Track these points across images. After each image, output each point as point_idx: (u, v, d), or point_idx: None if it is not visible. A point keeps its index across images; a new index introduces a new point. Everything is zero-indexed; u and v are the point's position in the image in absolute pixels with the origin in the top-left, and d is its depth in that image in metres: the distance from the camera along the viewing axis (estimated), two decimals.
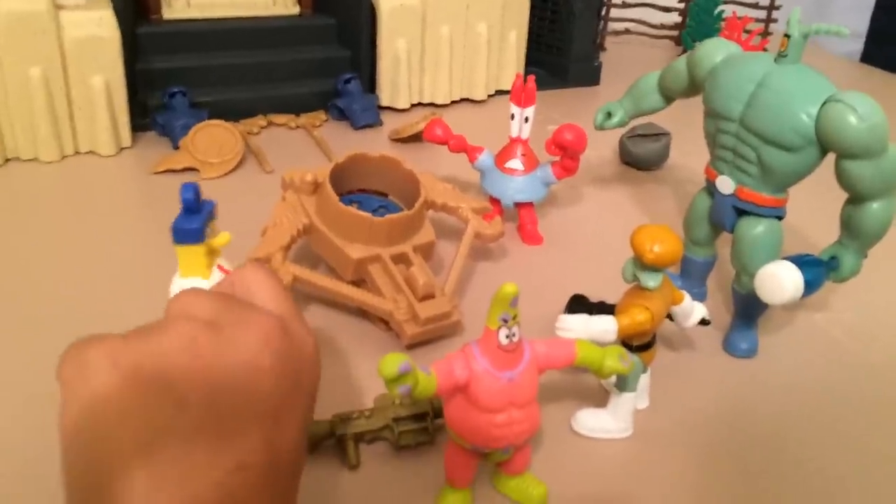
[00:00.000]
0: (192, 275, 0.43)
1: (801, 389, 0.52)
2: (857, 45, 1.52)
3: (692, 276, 0.59)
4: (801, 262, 0.47)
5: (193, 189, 0.41)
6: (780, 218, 0.52)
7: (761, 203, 0.51)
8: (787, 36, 0.49)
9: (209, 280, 0.43)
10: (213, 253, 0.43)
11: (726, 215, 0.54)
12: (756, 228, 0.52)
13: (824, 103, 0.47)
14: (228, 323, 0.30)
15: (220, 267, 0.43)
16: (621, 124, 0.65)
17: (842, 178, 0.48)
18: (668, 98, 0.62)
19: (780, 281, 0.46)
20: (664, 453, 0.46)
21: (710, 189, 0.55)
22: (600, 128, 0.65)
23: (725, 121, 0.51)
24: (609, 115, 0.65)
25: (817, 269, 0.48)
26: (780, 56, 0.50)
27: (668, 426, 0.48)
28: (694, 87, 0.57)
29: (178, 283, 0.43)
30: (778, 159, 0.49)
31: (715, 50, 0.54)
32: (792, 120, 0.47)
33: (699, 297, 0.60)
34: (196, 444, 0.27)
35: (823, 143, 0.47)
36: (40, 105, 0.74)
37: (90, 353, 0.27)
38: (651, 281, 0.43)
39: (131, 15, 0.85)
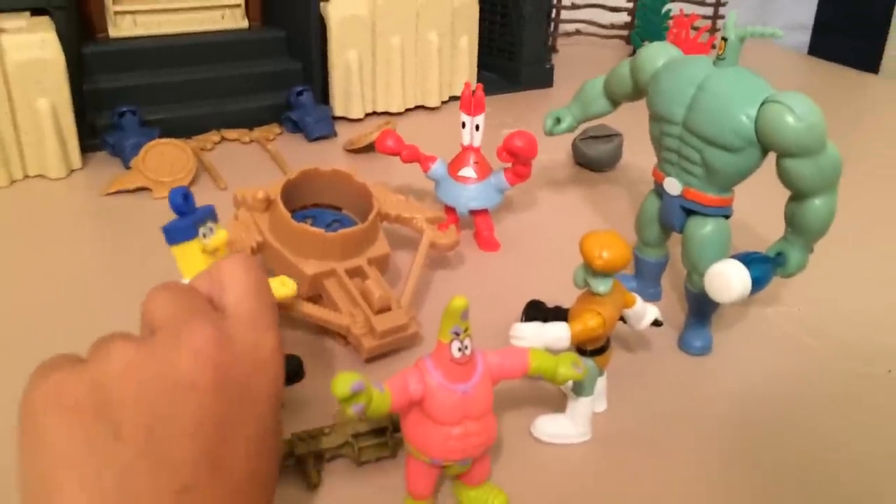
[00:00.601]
0: (190, 275, 0.42)
1: (755, 384, 0.53)
2: (805, 37, 1.55)
3: (646, 276, 0.60)
4: (748, 259, 0.48)
5: (180, 192, 0.41)
6: (727, 217, 0.53)
7: (708, 203, 0.52)
8: (724, 39, 0.50)
9: None
10: (213, 252, 0.43)
11: (675, 216, 0.54)
12: (704, 228, 0.53)
13: (762, 104, 0.48)
14: (166, 336, 0.30)
15: None
16: (570, 129, 0.66)
17: (783, 177, 0.49)
18: (615, 102, 0.63)
19: (727, 279, 0.47)
20: (624, 455, 0.47)
21: (659, 191, 0.56)
22: (550, 133, 0.66)
23: (669, 124, 0.52)
24: (558, 120, 0.66)
25: (764, 266, 0.49)
26: (719, 59, 0.51)
27: (628, 428, 0.49)
28: (638, 91, 0.58)
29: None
30: (721, 160, 0.50)
31: (656, 54, 0.55)
32: (732, 121, 0.48)
33: (654, 296, 0.61)
34: (137, 471, 0.27)
35: (763, 143, 0.48)
36: None
37: (34, 395, 0.28)
38: (601, 286, 0.44)
39: (77, 35, 0.84)
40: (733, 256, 0.49)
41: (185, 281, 0.43)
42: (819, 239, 0.52)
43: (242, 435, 0.30)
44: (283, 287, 0.47)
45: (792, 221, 0.51)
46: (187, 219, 0.41)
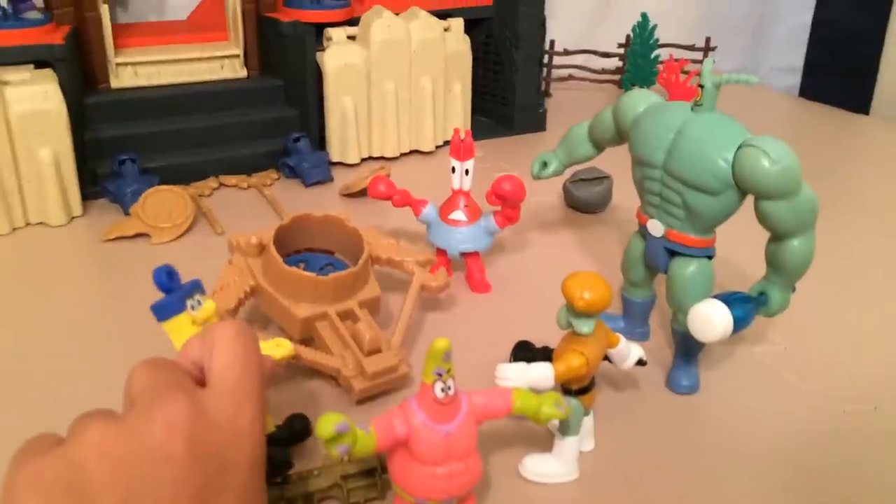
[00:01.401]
0: None
1: (743, 423, 0.54)
2: (796, 79, 1.58)
3: (633, 316, 0.61)
4: (730, 299, 0.49)
5: (164, 271, 0.42)
6: (710, 257, 0.54)
7: (690, 244, 0.53)
8: (700, 86, 0.52)
9: None
10: (203, 323, 0.44)
11: (659, 257, 0.56)
12: (688, 269, 0.54)
13: (739, 148, 0.49)
14: (140, 411, 0.31)
15: None
16: (557, 173, 0.67)
17: (761, 218, 0.51)
18: (599, 147, 0.64)
19: (709, 319, 0.48)
20: (612, 494, 0.47)
21: (643, 232, 0.57)
22: (537, 177, 0.67)
23: (650, 168, 0.53)
24: (545, 164, 0.67)
25: (746, 306, 0.50)
26: (696, 105, 0.52)
27: (614, 467, 0.49)
28: (620, 136, 0.59)
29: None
30: (701, 202, 0.51)
31: (637, 101, 0.57)
32: (710, 165, 0.50)
33: (642, 336, 0.61)
34: None
35: (741, 186, 0.50)
36: None
37: (16, 479, 0.29)
38: (584, 327, 0.45)
39: (79, 85, 0.86)
40: (716, 296, 0.50)
41: None
42: (799, 278, 0.53)
43: (226, 501, 0.31)
44: (278, 348, 0.48)
45: (772, 262, 0.52)
46: (174, 294, 0.42)
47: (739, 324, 0.49)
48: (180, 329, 0.43)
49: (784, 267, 0.51)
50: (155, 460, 0.29)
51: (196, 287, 0.44)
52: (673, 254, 0.55)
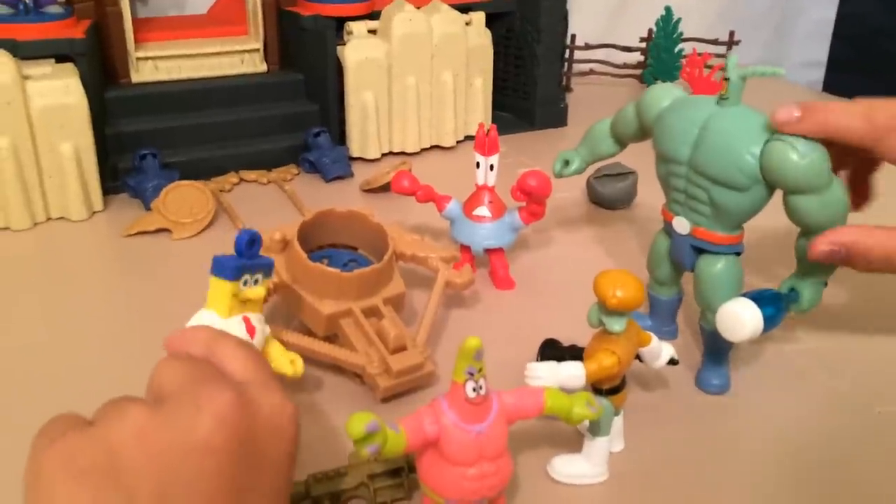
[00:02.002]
0: (212, 308, 0.44)
1: (774, 422, 0.53)
2: (819, 74, 1.56)
3: (660, 314, 0.60)
4: (760, 297, 0.48)
5: (248, 235, 0.43)
6: (738, 254, 0.53)
7: (717, 241, 0.52)
8: (726, 79, 0.51)
9: (225, 321, 0.44)
10: (244, 301, 0.44)
11: (685, 255, 0.54)
12: (715, 266, 0.53)
13: (766, 142, 0.48)
14: (184, 401, 0.30)
15: (246, 318, 0.44)
16: (579, 171, 0.66)
17: (791, 213, 0.50)
18: (621, 143, 0.63)
19: (739, 318, 0.47)
20: (642, 495, 0.46)
21: (668, 230, 0.56)
22: (559, 176, 0.66)
23: (675, 164, 0.52)
24: (567, 162, 0.66)
25: (777, 304, 0.49)
26: (722, 99, 0.51)
27: (645, 467, 0.48)
28: (643, 131, 0.58)
29: (199, 314, 0.45)
30: (728, 199, 0.50)
31: (661, 95, 0.55)
32: (737, 160, 0.49)
33: (670, 334, 0.60)
34: None
35: (769, 181, 0.48)
36: (10, 176, 0.74)
37: (43, 458, 0.28)
38: (616, 325, 0.44)
39: (100, 80, 0.86)
40: (745, 294, 0.49)
41: (204, 311, 0.44)
42: (831, 273, 0.51)
43: (256, 500, 0.30)
44: (291, 366, 0.48)
45: (802, 257, 0.51)
46: (238, 260, 0.42)
47: (770, 322, 0.48)
48: (220, 291, 0.43)
49: (815, 263, 0.50)
50: (198, 452, 0.28)
51: (265, 267, 0.44)
52: (699, 251, 0.54)
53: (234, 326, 0.44)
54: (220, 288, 0.43)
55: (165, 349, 0.36)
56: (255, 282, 0.44)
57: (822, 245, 0.47)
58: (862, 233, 0.47)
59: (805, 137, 0.47)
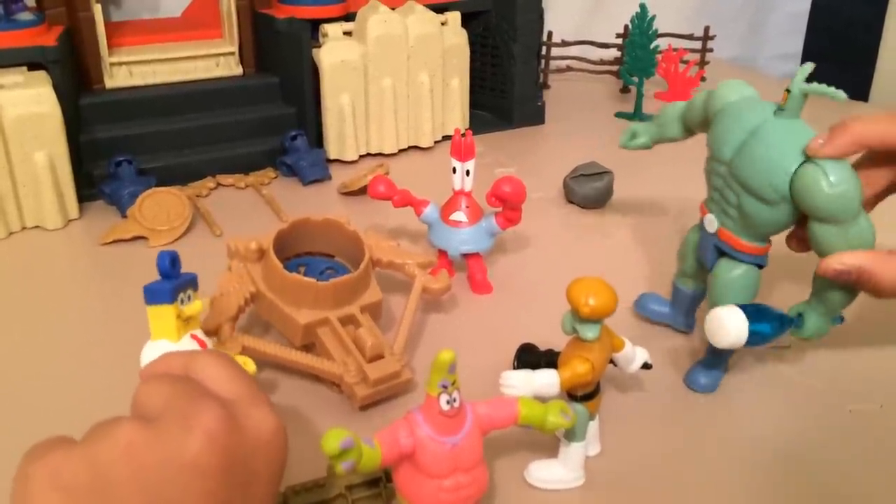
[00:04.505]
0: (161, 336, 0.44)
1: (746, 421, 0.54)
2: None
3: (679, 305, 0.61)
4: (760, 312, 0.48)
5: (168, 256, 0.43)
6: (760, 266, 0.53)
7: (739, 248, 0.52)
8: (787, 91, 0.50)
9: (178, 344, 0.44)
10: (187, 320, 0.45)
11: (708, 252, 0.55)
12: (732, 271, 0.53)
13: (801, 164, 0.48)
14: (172, 419, 0.30)
15: (194, 336, 0.45)
16: (645, 146, 0.66)
17: (811, 240, 0.49)
18: (688, 129, 0.62)
19: (724, 325, 0.47)
20: (618, 499, 0.47)
21: (701, 224, 0.56)
22: (624, 146, 0.66)
23: (717, 162, 0.53)
24: (634, 135, 0.66)
25: (771, 323, 0.49)
26: (780, 109, 0.51)
27: (621, 470, 0.49)
28: (706, 122, 0.57)
29: (149, 347, 0.45)
30: (755, 209, 0.50)
31: (732, 90, 0.55)
32: (771, 175, 0.48)
33: (686, 327, 0.61)
34: None
35: (796, 202, 0.48)
36: None
37: (31, 475, 0.28)
38: (589, 332, 0.44)
39: (73, 86, 0.85)
40: (749, 305, 0.49)
41: (153, 343, 0.44)
42: (840, 310, 0.51)
43: None
44: (246, 366, 0.48)
45: (815, 286, 0.51)
46: (170, 282, 0.42)
47: (758, 338, 0.48)
48: (163, 318, 0.43)
49: (825, 293, 0.51)
50: (188, 470, 0.29)
51: (191, 282, 0.44)
52: (722, 253, 0.54)
53: (188, 346, 0.44)
54: (163, 314, 0.43)
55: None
56: (188, 298, 0.44)
57: (833, 264, 0.47)
58: (876, 259, 0.47)
59: (842, 164, 0.47)
